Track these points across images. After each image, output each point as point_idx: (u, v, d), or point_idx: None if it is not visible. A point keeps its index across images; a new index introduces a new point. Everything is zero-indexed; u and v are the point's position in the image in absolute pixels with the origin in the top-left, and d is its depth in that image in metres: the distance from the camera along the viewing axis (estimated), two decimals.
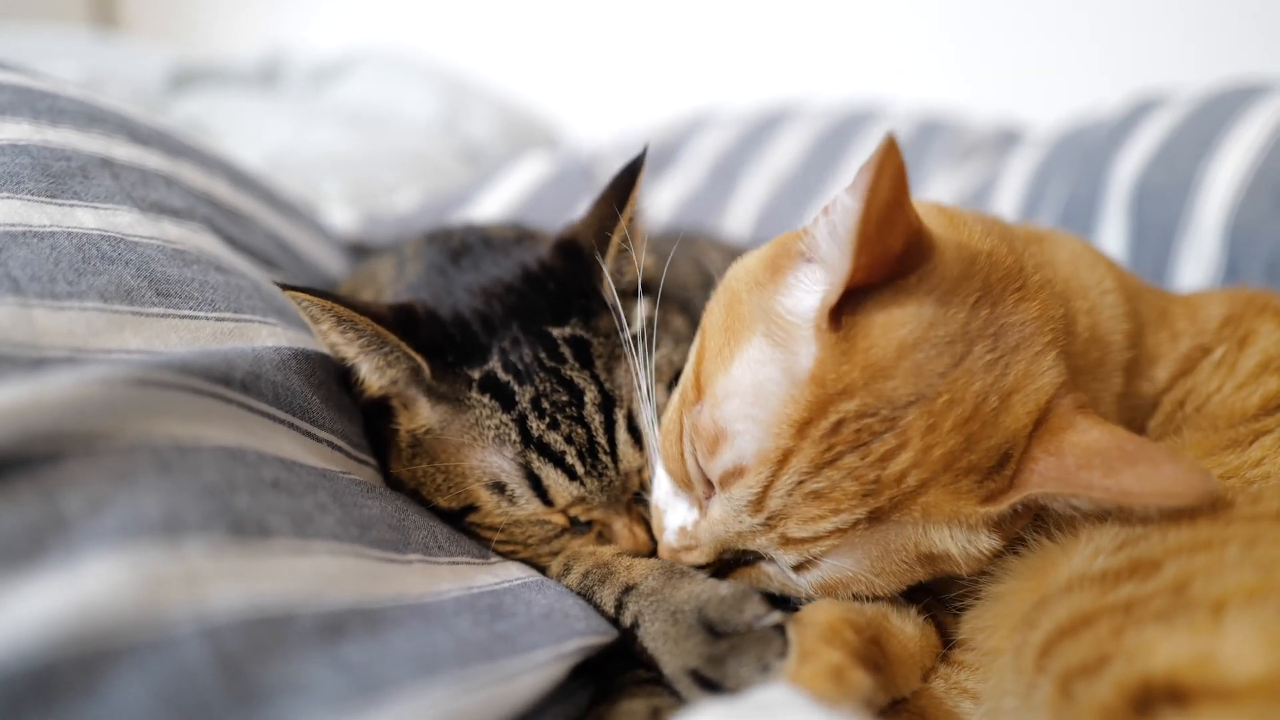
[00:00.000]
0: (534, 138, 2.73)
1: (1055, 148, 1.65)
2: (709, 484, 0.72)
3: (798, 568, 0.70)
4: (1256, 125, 1.28)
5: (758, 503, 0.67)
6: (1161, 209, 1.34)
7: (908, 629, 0.75)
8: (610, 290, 0.86)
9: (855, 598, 0.72)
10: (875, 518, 0.65)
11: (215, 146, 1.23)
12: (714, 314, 0.76)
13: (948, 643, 0.79)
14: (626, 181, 0.86)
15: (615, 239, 0.85)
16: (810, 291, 0.68)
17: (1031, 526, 0.72)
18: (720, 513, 0.71)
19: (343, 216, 1.83)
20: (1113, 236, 1.40)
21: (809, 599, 0.74)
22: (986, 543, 0.67)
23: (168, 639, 0.49)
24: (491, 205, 1.86)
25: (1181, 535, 0.60)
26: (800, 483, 0.65)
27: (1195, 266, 1.30)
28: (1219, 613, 0.51)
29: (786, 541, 0.68)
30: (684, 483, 0.76)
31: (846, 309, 0.66)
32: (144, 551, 0.51)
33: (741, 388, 0.69)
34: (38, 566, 0.48)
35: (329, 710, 0.51)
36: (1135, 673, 0.50)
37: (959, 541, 0.67)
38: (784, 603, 0.74)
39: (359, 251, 1.39)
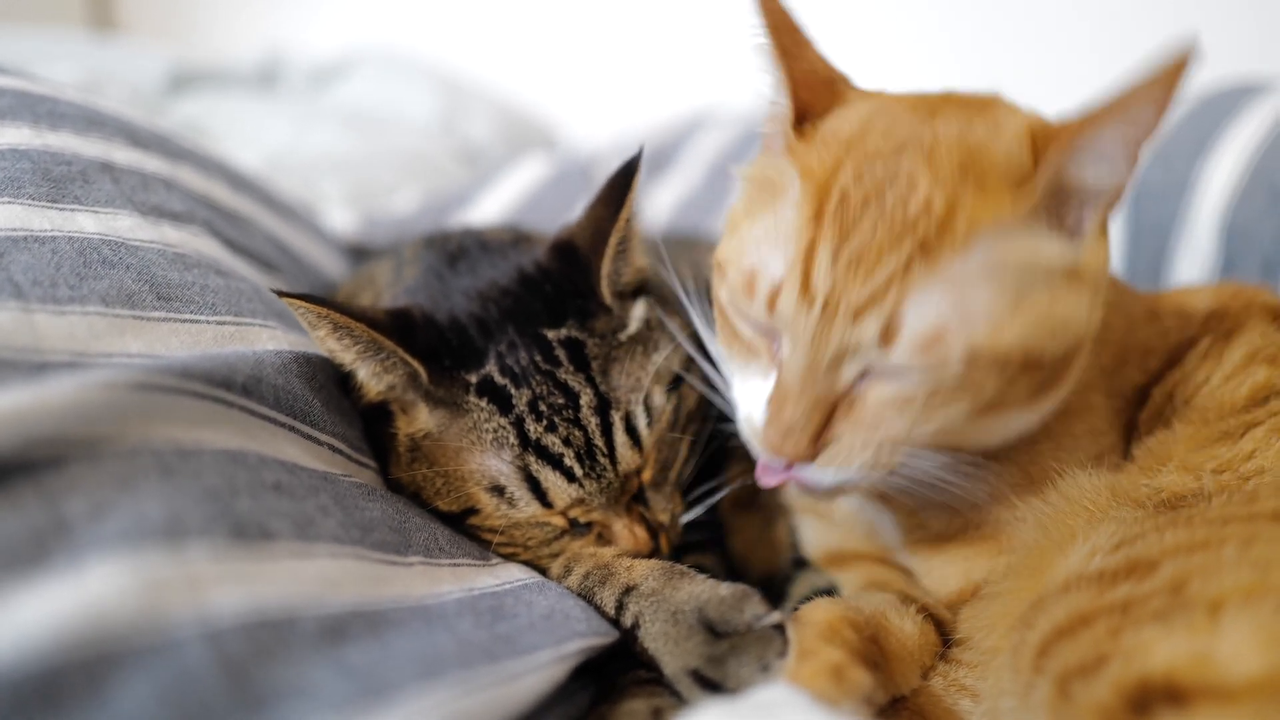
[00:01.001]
0: (533, 138, 2.73)
1: None
2: (769, 335, 0.71)
3: (885, 338, 0.63)
4: (1252, 124, 1.29)
5: (806, 291, 0.65)
6: (1158, 208, 1.34)
7: (907, 627, 0.75)
8: (606, 291, 0.86)
9: (978, 390, 0.65)
10: (927, 250, 0.63)
11: (214, 149, 1.23)
12: (735, 212, 0.78)
13: (947, 641, 0.79)
14: (622, 182, 0.86)
15: (612, 240, 0.85)
16: (782, 133, 0.74)
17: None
18: (787, 339, 0.67)
19: (342, 218, 1.83)
20: (1111, 236, 1.41)
21: (930, 408, 0.66)
22: (1056, 246, 0.66)
23: (170, 642, 0.49)
24: (490, 206, 1.87)
25: (1179, 535, 0.60)
26: (835, 256, 0.64)
27: (1191, 265, 1.30)
28: (1216, 612, 0.51)
29: (857, 312, 0.63)
30: (748, 351, 0.73)
31: (809, 127, 0.72)
32: (146, 555, 0.51)
33: (757, 232, 0.71)
34: (41, 571, 0.49)
35: (332, 713, 0.51)
36: (1133, 673, 0.50)
37: (1025, 249, 0.64)
38: (780, 600, 0.75)
39: (358, 253, 1.39)
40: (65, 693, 0.46)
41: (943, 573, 0.82)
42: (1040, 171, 0.64)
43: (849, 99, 0.75)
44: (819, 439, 0.68)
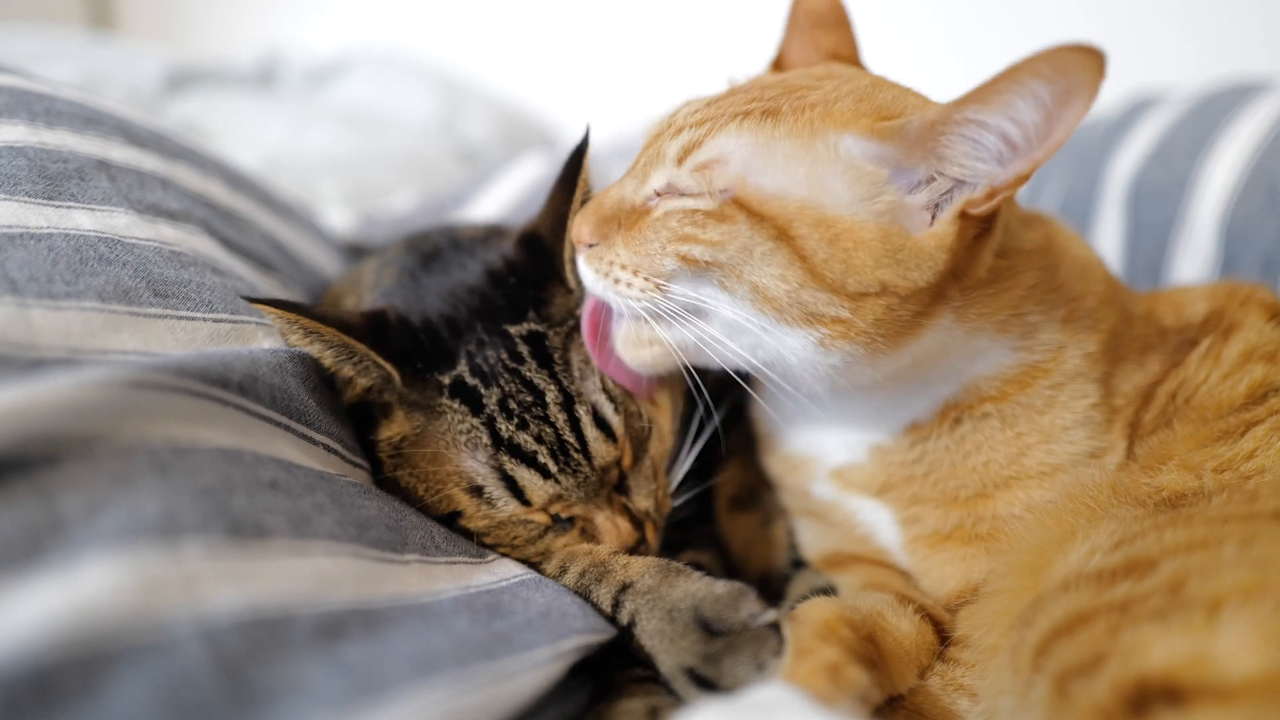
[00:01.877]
0: (531, 138, 2.73)
1: None
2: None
3: (680, 157, 0.73)
4: (1252, 124, 1.29)
5: (671, 121, 0.81)
6: (1158, 207, 1.34)
7: (904, 626, 0.75)
8: (571, 274, 0.86)
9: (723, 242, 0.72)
10: (770, 115, 0.72)
11: (211, 148, 1.23)
12: None
13: (945, 641, 0.79)
14: (574, 163, 0.87)
15: (570, 221, 0.85)
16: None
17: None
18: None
19: (340, 217, 1.83)
20: (1109, 235, 1.41)
21: (681, 237, 0.72)
22: (888, 188, 0.69)
23: (166, 641, 0.49)
24: (489, 206, 1.86)
25: (1178, 534, 0.60)
26: (709, 103, 0.79)
27: (1191, 264, 1.30)
28: (1215, 612, 0.51)
29: (678, 130, 0.76)
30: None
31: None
32: (142, 553, 0.51)
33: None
34: (36, 569, 0.48)
35: (328, 711, 0.51)
36: (1131, 672, 0.50)
37: (857, 163, 0.69)
38: (778, 600, 0.75)
39: (355, 252, 1.39)
40: (60, 691, 0.46)
41: (941, 573, 0.82)
42: (911, 118, 0.67)
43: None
44: (601, 232, 0.77)
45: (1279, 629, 0.49)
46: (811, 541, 0.94)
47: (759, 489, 1.00)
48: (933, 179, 0.69)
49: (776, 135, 0.70)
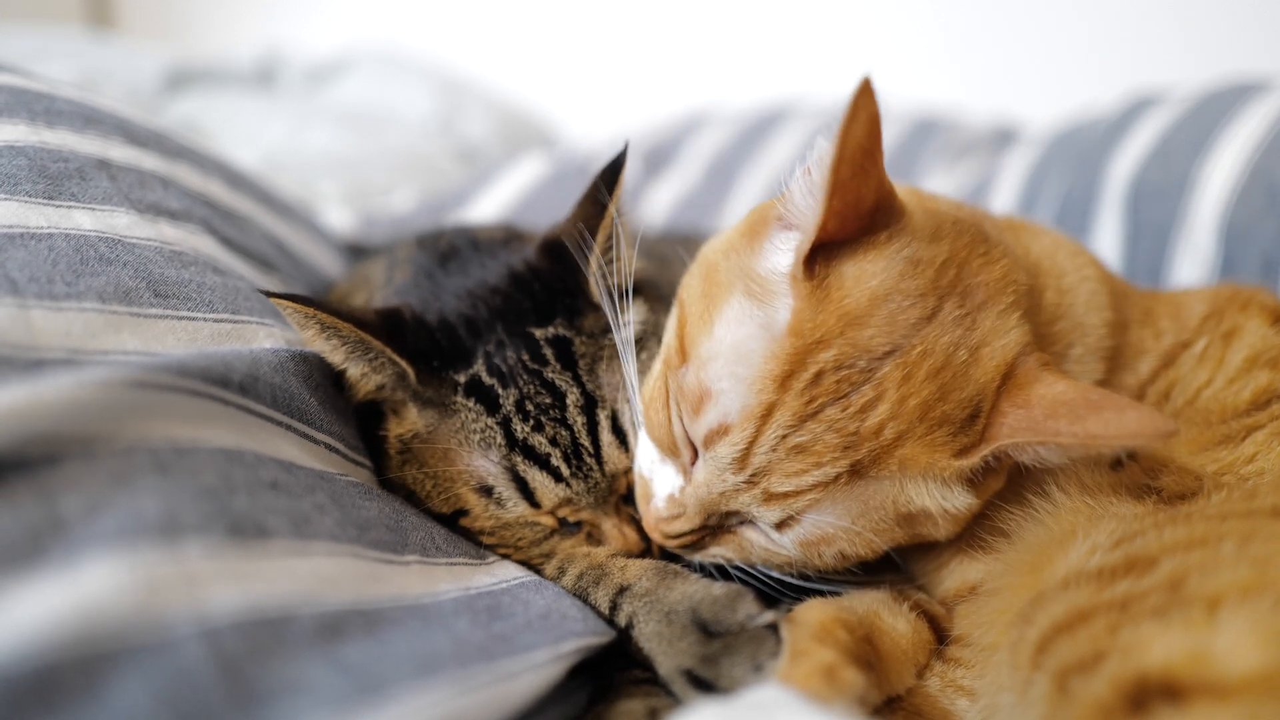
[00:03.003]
0: (530, 137, 2.73)
1: (1051, 146, 1.65)
2: (693, 448, 0.73)
3: (780, 525, 0.70)
4: (1252, 123, 1.29)
5: (742, 460, 0.69)
6: (1157, 207, 1.34)
7: (900, 626, 0.76)
8: (595, 288, 0.86)
9: (835, 562, 0.73)
10: (855, 472, 0.67)
11: (212, 147, 1.23)
12: (691, 285, 0.78)
13: (942, 638, 0.79)
14: (609, 178, 0.85)
15: (599, 237, 0.85)
16: (786, 251, 0.71)
17: (1017, 499, 0.74)
18: (705, 475, 0.71)
19: (339, 217, 1.83)
20: (1109, 235, 1.41)
21: (788, 566, 0.75)
22: (963, 500, 0.69)
23: (167, 640, 0.49)
24: (488, 206, 1.86)
25: (1178, 532, 0.60)
26: (784, 437, 0.67)
27: (1191, 265, 1.30)
28: (1214, 609, 0.51)
29: (769, 498, 0.69)
30: (669, 449, 0.76)
31: (820, 262, 0.69)
32: (143, 553, 0.51)
33: (724, 348, 0.71)
34: (37, 568, 0.48)
35: (328, 711, 0.51)
36: (1131, 669, 0.50)
37: (935, 498, 0.68)
38: (775, 601, 0.75)
39: (356, 252, 1.39)
40: (61, 691, 0.46)
41: (938, 574, 0.82)
42: (982, 451, 0.67)
43: (880, 240, 0.69)
44: (693, 545, 0.77)
45: (1278, 626, 0.49)
46: None
47: None
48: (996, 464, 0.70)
49: (866, 493, 0.69)
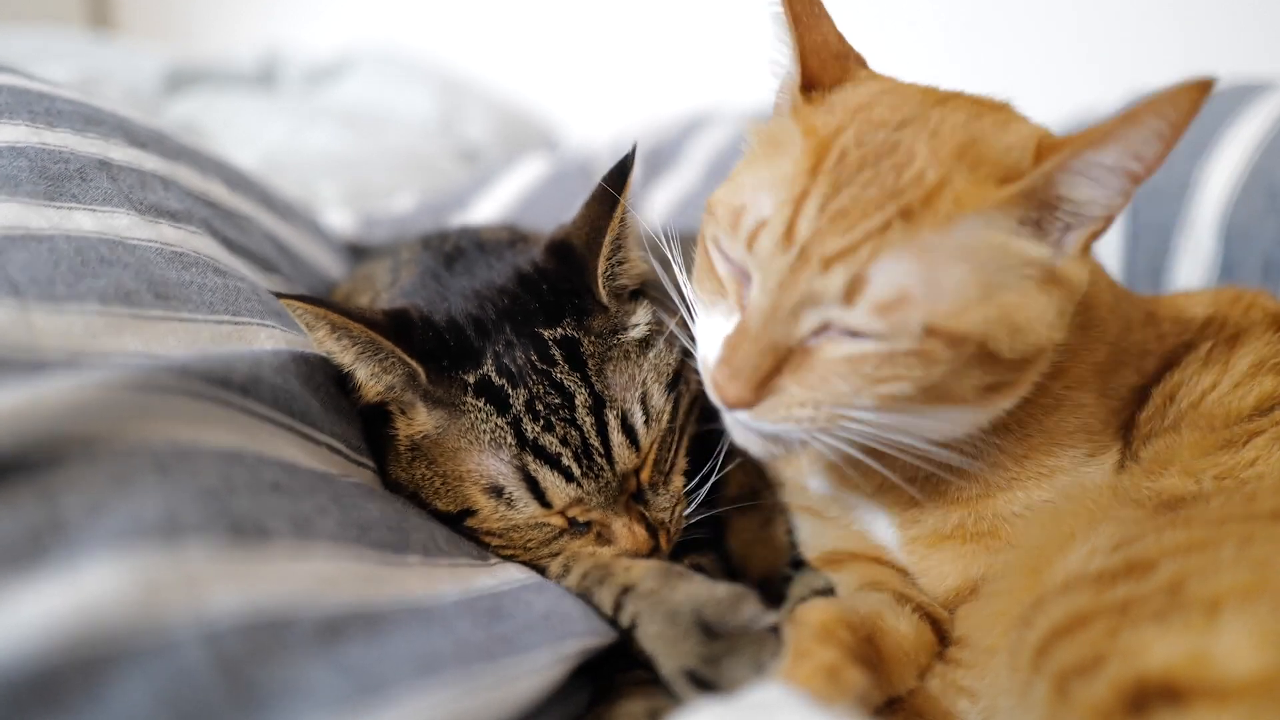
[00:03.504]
0: (531, 138, 2.72)
1: None
2: (741, 277, 0.71)
3: (849, 295, 0.64)
4: (1253, 125, 1.29)
5: (787, 236, 0.65)
6: (1158, 208, 1.34)
7: (902, 627, 0.76)
8: (603, 289, 0.86)
9: (931, 364, 0.65)
10: (908, 216, 0.64)
11: (212, 148, 1.23)
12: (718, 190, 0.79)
13: (944, 640, 0.79)
14: (616, 180, 0.86)
15: (607, 238, 0.85)
16: (787, 104, 0.77)
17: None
18: (758, 277, 0.67)
19: (339, 218, 1.83)
20: (1110, 236, 1.40)
21: (879, 386, 0.65)
22: (1033, 246, 0.66)
23: (167, 642, 0.49)
24: (489, 207, 1.86)
25: (1177, 535, 0.60)
26: (822, 207, 0.65)
27: (1192, 266, 1.30)
28: (1214, 612, 0.51)
29: (827, 262, 0.64)
30: (719, 289, 0.73)
31: (817, 94, 0.75)
32: (144, 554, 0.51)
33: (750, 182, 0.72)
34: (38, 569, 0.48)
35: (329, 712, 0.51)
36: (1130, 672, 0.50)
37: (1002, 242, 0.65)
38: (779, 604, 0.75)
39: (356, 252, 1.39)
40: (62, 692, 0.46)
41: (940, 570, 0.82)
42: (1033, 173, 0.64)
43: (859, 76, 0.77)
44: (764, 386, 0.67)
45: (1278, 629, 0.49)
46: (810, 539, 0.94)
47: (759, 489, 1.00)
48: (1055, 216, 0.68)
49: (930, 245, 0.64)
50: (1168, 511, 0.67)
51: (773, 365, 0.67)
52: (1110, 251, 1.40)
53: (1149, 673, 0.50)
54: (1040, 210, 0.66)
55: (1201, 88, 0.59)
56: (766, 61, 0.80)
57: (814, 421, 0.67)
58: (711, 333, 0.72)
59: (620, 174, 0.86)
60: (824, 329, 0.66)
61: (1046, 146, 0.66)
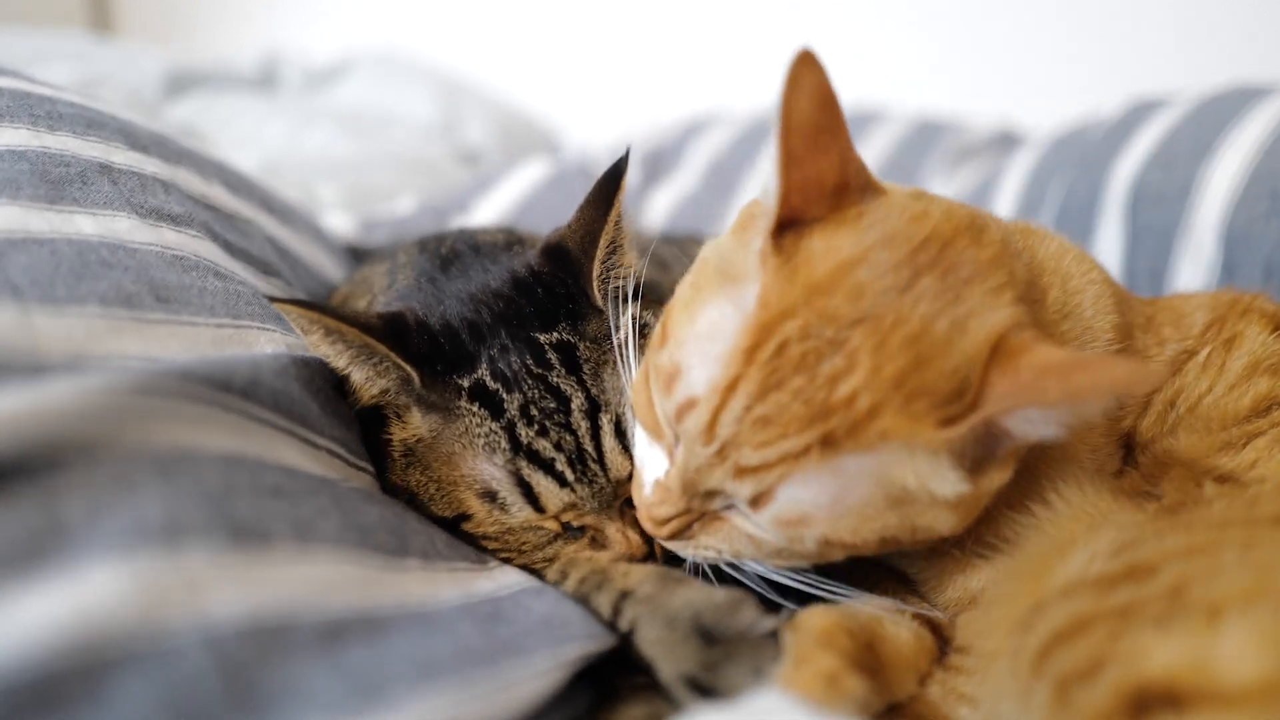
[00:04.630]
0: (532, 141, 2.73)
1: (1052, 150, 1.65)
2: (671, 429, 0.72)
3: (754, 502, 0.67)
4: (1254, 127, 1.29)
5: (709, 430, 0.66)
6: (1159, 211, 1.34)
7: (902, 634, 0.75)
8: (598, 292, 0.86)
9: (820, 550, 0.69)
10: (829, 444, 0.63)
11: (213, 151, 1.23)
12: (684, 279, 0.77)
13: (945, 646, 0.79)
14: (611, 183, 0.86)
15: (602, 241, 0.85)
16: (760, 234, 0.69)
17: (1022, 508, 0.73)
18: (682, 452, 0.70)
19: (339, 220, 1.83)
20: (1111, 239, 1.41)
21: (776, 557, 0.72)
22: (953, 483, 0.64)
23: (168, 646, 0.49)
24: (489, 209, 1.87)
25: (1178, 539, 0.60)
26: (748, 408, 0.65)
27: (1193, 269, 1.30)
28: (1216, 616, 0.51)
29: (740, 472, 0.66)
30: (654, 430, 0.74)
31: (791, 238, 0.68)
32: (145, 558, 0.51)
33: (699, 331, 0.70)
34: (38, 573, 0.48)
35: (330, 716, 0.52)
36: (1132, 677, 0.50)
37: (922, 475, 0.64)
38: (777, 609, 0.75)
39: (357, 255, 1.39)
40: (63, 696, 0.46)
41: (939, 582, 0.82)
42: (969, 420, 0.62)
43: (849, 215, 0.69)
44: (681, 533, 0.74)
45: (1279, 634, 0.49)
46: None
47: None
48: (985, 444, 0.66)
49: (844, 467, 0.64)
50: (1168, 515, 0.67)
51: (688, 521, 0.74)
52: (1111, 254, 1.40)
53: (1150, 678, 0.50)
54: (969, 444, 0.65)
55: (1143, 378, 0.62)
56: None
57: (720, 560, 0.75)
58: (649, 464, 0.77)
59: (614, 176, 0.86)
60: (732, 508, 0.71)
61: (1002, 357, 0.63)
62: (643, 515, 0.76)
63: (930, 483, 0.64)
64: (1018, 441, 0.66)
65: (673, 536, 0.75)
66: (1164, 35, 2.06)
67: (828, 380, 0.63)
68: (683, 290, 0.76)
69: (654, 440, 0.76)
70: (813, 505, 0.66)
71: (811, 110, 0.64)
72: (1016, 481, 0.72)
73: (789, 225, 0.68)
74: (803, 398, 0.63)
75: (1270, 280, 1.18)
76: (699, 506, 0.72)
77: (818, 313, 0.64)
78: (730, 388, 0.65)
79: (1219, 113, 1.35)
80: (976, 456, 0.66)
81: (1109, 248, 1.40)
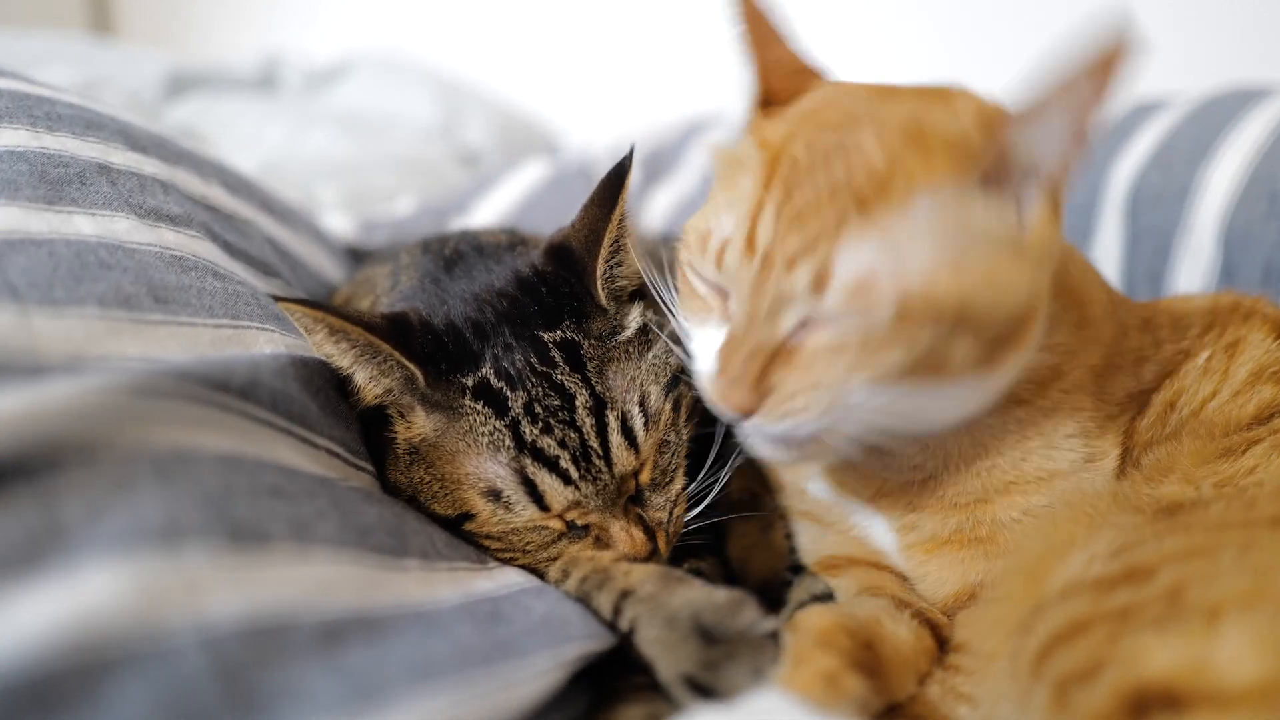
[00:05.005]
0: (531, 143, 2.73)
1: None
2: (720, 293, 0.75)
3: (817, 285, 0.65)
4: (1253, 129, 1.29)
5: (749, 247, 0.69)
6: (1158, 213, 1.34)
7: (901, 633, 0.75)
8: (602, 292, 0.86)
9: (902, 338, 0.65)
10: (862, 205, 0.65)
11: (212, 152, 1.23)
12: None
13: (943, 646, 0.79)
14: (614, 182, 0.86)
15: (606, 240, 0.85)
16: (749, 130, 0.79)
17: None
18: (732, 290, 0.71)
19: (339, 222, 1.83)
20: (1109, 240, 1.41)
21: (865, 366, 0.66)
22: (998, 216, 0.67)
23: (167, 647, 0.49)
24: (488, 211, 1.87)
25: (1177, 542, 0.60)
26: (778, 213, 0.68)
27: (1192, 270, 1.30)
28: (1214, 619, 0.51)
29: (790, 261, 0.66)
30: (704, 308, 0.76)
31: (774, 110, 0.78)
32: (143, 559, 0.51)
33: (716, 205, 0.75)
34: (37, 574, 0.48)
35: (328, 717, 0.51)
36: (1130, 679, 0.50)
37: (965, 217, 0.66)
38: (776, 608, 0.75)
39: (357, 256, 1.39)
40: (61, 697, 0.46)
41: (939, 576, 0.82)
42: (982, 144, 0.66)
43: (814, 86, 0.80)
44: (761, 386, 0.69)
45: (1277, 636, 0.49)
46: (809, 545, 0.94)
47: (759, 494, 1.00)
48: (1010, 180, 0.69)
49: (889, 226, 0.65)
50: (1167, 518, 0.67)
51: (764, 365, 0.69)
52: (1110, 255, 1.40)
53: (1149, 679, 0.50)
54: (993, 178, 0.67)
55: (1121, 49, 0.62)
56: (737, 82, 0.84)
57: (814, 411, 0.68)
58: (705, 347, 0.75)
59: (618, 176, 0.86)
60: (805, 323, 0.68)
61: (992, 118, 0.68)
62: (717, 393, 0.71)
63: (975, 218, 0.67)
64: (1043, 175, 0.68)
65: (758, 396, 0.69)
66: (1162, 35, 2.06)
67: (843, 165, 0.68)
68: (708, 199, 0.81)
69: (705, 320, 0.76)
70: (873, 265, 0.65)
71: (754, 7, 0.81)
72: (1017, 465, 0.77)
73: (769, 104, 0.79)
74: (826, 183, 0.67)
75: (1269, 282, 1.18)
76: (769, 339, 0.68)
77: (816, 127, 0.72)
78: (758, 206, 0.70)
79: (1218, 114, 1.35)
80: (1011, 198, 0.69)
81: (1108, 249, 1.40)
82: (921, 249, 0.65)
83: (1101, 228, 1.43)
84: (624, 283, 0.89)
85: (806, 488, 0.91)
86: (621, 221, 0.86)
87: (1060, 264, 0.78)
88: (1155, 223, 1.34)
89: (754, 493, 1.00)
